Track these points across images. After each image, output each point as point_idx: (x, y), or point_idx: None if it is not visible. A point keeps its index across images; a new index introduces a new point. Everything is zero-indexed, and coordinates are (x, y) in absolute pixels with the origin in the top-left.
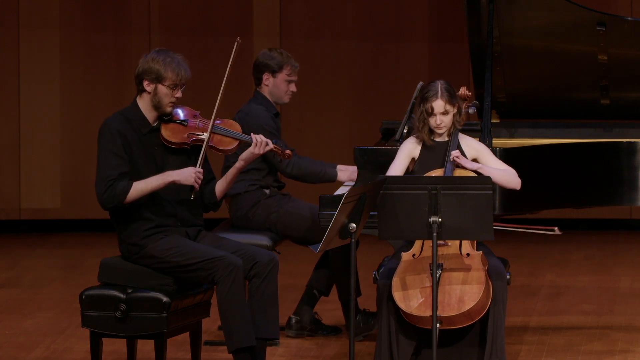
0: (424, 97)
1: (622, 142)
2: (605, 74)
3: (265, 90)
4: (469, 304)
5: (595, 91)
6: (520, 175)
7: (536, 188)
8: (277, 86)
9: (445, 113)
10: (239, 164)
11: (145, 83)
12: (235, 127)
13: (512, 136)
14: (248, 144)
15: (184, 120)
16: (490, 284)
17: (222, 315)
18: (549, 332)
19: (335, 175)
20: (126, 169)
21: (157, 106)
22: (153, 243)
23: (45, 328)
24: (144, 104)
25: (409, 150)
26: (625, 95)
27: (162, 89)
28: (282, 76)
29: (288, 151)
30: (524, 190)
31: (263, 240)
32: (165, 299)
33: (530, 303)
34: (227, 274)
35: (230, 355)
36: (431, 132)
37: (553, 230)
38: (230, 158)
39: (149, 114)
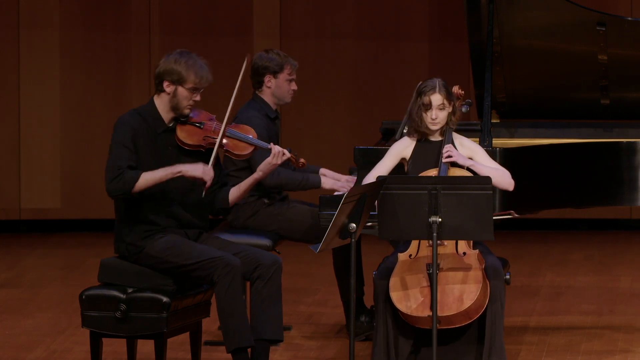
0: (421, 92)
1: (622, 142)
2: (605, 74)
3: (267, 93)
4: (466, 303)
5: (595, 91)
6: (520, 176)
7: (536, 188)
8: (279, 87)
9: (441, 108)
10: (257, 174)
11: (165, 84)
12: (251, 133)
13: (512, 136)
14: (263, 150)
15: (200, 123)
16: (488, 282)
17: (220, 316)
18: (549, 332)
19: (319, 181)
20: (135, 163)
21: (175, 108)
22: (152, 243)
23: (45, 328)
24: (161, 103)
25: (398, 150)
26: (625, 95)
27: (182, 92)
28: (283, 76)
29: (302, 160)
30: (524, 190)
31: (263, 240)
32: (165, 299)
33: (530, 303)
34: (225, 274)
35: (230, 356)
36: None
37: (510, 214)
38: (229, 165)
39: (165, 115)
